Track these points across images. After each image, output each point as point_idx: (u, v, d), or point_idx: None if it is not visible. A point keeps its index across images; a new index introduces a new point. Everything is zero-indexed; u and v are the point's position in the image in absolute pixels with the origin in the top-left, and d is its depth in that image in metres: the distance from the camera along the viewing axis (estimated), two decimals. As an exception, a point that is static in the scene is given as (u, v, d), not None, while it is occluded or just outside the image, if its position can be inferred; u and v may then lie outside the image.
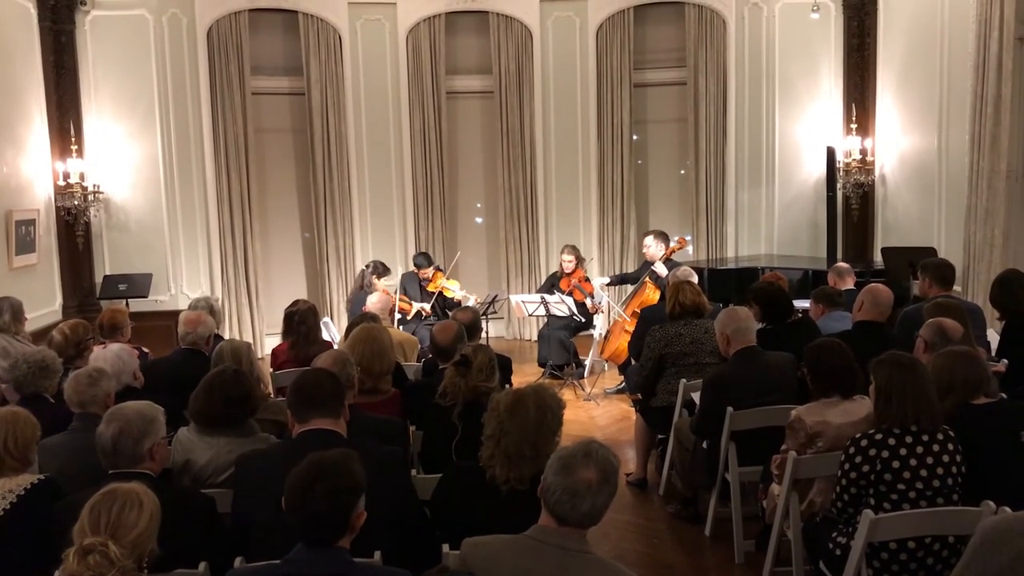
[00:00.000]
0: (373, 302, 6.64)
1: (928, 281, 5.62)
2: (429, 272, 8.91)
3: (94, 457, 3.10)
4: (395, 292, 8.50)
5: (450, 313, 7.51)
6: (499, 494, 2.99)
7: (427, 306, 8.70)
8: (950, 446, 3.40)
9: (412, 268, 9.20)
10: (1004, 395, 3.90)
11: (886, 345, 4.20)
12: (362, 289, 8.26)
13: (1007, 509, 2.98)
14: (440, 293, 8.80)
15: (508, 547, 2.49)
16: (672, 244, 8.35)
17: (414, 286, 8.90)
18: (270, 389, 5.20)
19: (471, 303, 8.61)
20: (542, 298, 8.37)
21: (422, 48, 10.22)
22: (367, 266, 8.64)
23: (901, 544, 3.33)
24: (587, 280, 9.00)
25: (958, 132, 7.77)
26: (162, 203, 9.75)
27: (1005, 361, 4.77)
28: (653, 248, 8.35)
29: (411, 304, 8.58)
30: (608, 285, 9.21)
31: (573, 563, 2.42)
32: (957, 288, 6.74)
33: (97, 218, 9.49)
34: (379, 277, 8.22)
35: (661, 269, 8.06)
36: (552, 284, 9.00)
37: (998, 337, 5.24)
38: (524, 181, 10.44)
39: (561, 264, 9.00)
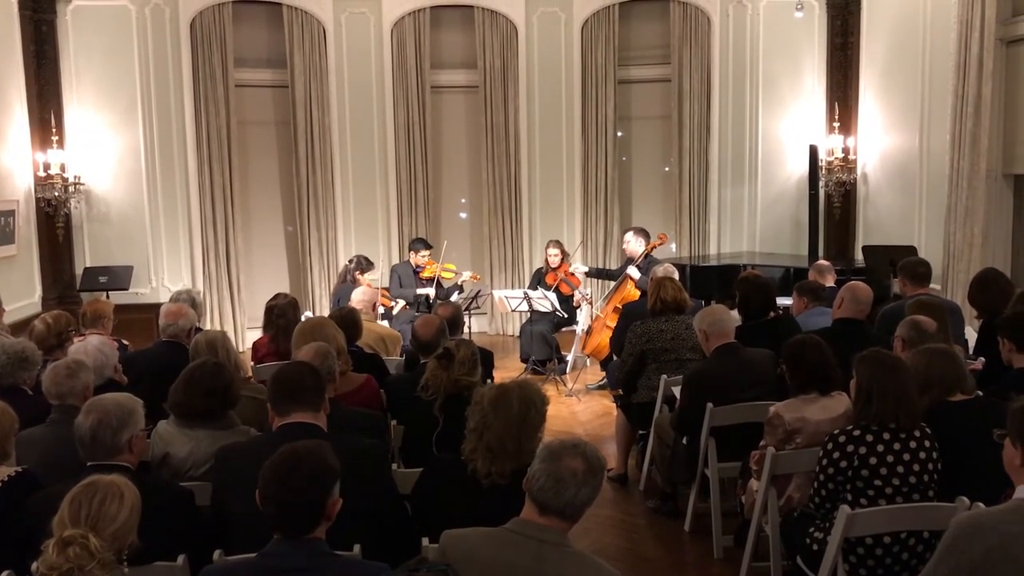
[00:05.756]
0: (358, 297, 6.62)
1: (903, 280, 5.67)
2: (425, 257, 8.89)
3: (72, 449, 3.09)
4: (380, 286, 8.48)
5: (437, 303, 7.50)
6: (480, 488, 2.99)
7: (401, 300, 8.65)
8: (927, 443, 3.44)
9: (403, 259, 9.15)
10: (980, 392, 3.93)
11: (865, 342, 4.23)
12: (344, 283, 8.22)
13: (980, 505, 3.02)
14: (437, 278, 8.79)
15: (487, 539, 2.50)
16: (652, 241, 8.37)
17: (408, 274, 8.87)
18: (250, 373, 5.17)
19: (466, 277, 8.98)
20: (525, 293, 8.37)
21: (407, 42, 10.19)
22: (351, 261, 8.60)
23: (877, 539, 3.37)
24: (573, 274, 9.01)
25: (939, 132, 7.84)
26: (143, 195, 9.69)
27: (982, 359, 4.82)
28: (633, 244, 8.35)
29: (391, 300, 8.55)
30: (587, 275, 9.23)
31: (551, 556, 2.42)
32: (936, 286, 6.80)
33: (78, 209, 9.43)
34: (363, 272, 8.18)
35: (635, 273, 8.05)
36: (538, 281, 8.99)
37: (975, 335, 5.30)
38: (508, 176, 10.44)
39: (547, 259, 9.00)
